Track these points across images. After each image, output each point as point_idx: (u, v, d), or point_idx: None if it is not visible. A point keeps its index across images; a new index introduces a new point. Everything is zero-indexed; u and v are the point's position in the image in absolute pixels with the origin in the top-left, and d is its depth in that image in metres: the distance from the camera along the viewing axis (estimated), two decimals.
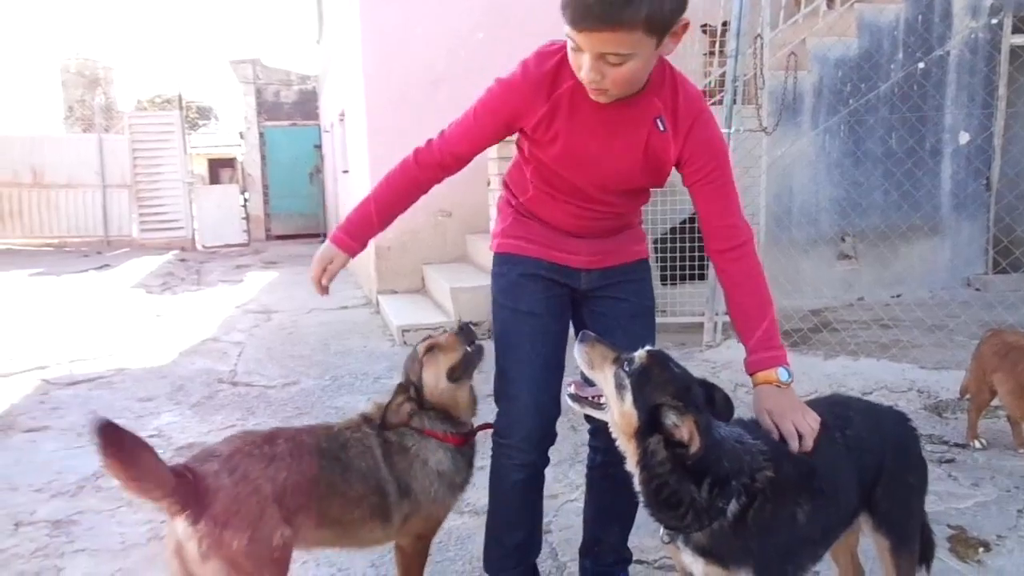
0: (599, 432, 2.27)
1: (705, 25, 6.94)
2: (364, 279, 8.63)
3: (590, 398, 1.78)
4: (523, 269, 2.18)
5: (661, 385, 1.63)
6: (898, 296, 6.91)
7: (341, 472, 2.02)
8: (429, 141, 2.08)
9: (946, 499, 3.12)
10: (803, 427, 1.73)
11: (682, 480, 1.61)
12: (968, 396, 3.74)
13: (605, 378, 1.72)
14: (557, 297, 2.20)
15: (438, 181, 2.12)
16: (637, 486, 1.69)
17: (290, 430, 2.10)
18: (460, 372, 2.17)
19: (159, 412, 4.53)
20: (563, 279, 2.18)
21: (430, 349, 2.18)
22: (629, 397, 1.65)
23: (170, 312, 8.12)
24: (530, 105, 1.90)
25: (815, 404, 1.91)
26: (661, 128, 1.88)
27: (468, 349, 2.17)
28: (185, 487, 1.77)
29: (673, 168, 1.99)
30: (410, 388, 2.18)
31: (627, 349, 2.05)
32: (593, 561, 2.38)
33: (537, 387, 2.13)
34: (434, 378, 2.16)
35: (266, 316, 7.74)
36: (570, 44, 1.71)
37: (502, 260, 2.24)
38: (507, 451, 2.16)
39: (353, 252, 2.12)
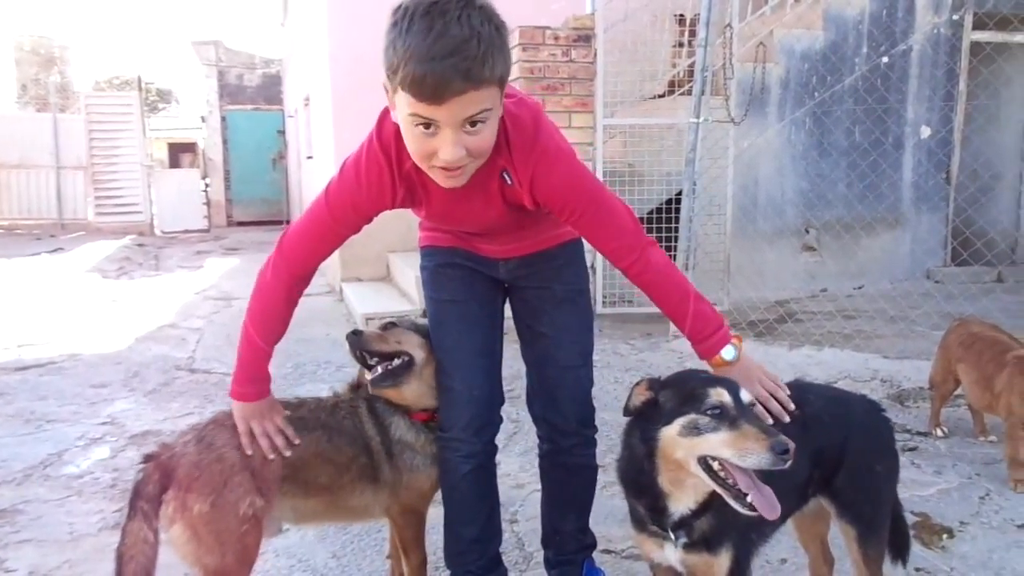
0: (541, 421, 2.25)
1: (681, 15, 6.93)
2: (328, 267, 8.49)
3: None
4: (441, 259, 2.17)
5: None
6: (860, 287, 6.99)
7: (328, 438, 2.01)
8: (278, 255, 1.94)
9: (910, 487, 3.14)
10: (767, 390, 1.78)
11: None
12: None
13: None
14: (480, 282, 2.16)
15: (306, 287, 2.02)
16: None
17: (291, 401, 2.09)
18: (377, 378, 2.09)
19: (113, 399, 4.39)
20: (481, 268, 2.15)
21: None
22: None
23: (126, 297, 7.92)
24: (391, 189, 1.81)
25: None
26: (508, 181, 1.81)
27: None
28: (161, 465, 1.80)
29: None
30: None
31: (549, 336, 2.13)
32: (555, 551, 2.33)
33: (469, 374, 2.08)
34: (360, 374, 2.16)
35: (226, 302, 7.57)
36: (416, 131, 1.56)
37: (424, 253, 2.23)
38: (450, 443, 2.10)
39: (266, 393, 1.98)
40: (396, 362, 2.09)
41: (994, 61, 6.72)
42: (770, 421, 1.69)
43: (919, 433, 3.74)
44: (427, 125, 1.54)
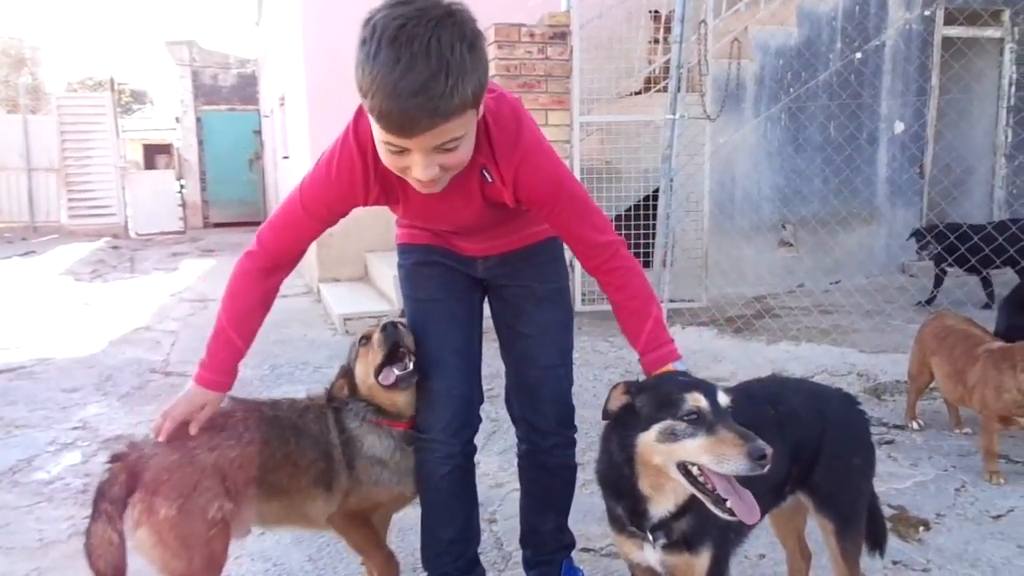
0: (520, 422, 2.24)
1: (656, 12, 6.93)
2: (305, 267, 8.42)
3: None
4: (418, 257, 2.14)
5: None
6: (837, 282, 7.04)
7: (296, 439, 1.99)
8: (257, 246, 1.92)
9: (887, 480, 3.16)
10: None
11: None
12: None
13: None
14: (458, 280, 2.13)
15: (283, 280, 1.99)
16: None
17: (253, 402, 2.07)
18: (384, 376, 2.03)
19: (85, 403, 4.32)
20: (460, 266, 2.13)
21: (366, 340, 2.07)
22: None
23: (100, 300, 7.80)
24: (365, 186, 1.80)
25: (752, 386, 1.90)
26: (489, 179, 1.80)
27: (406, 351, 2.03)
28: (128, 466, 1.77)
29: None
30: (348, 373, 2.12)
31: (529, 336, 2.12)
32: (534, 551, 2.31)
33: (448, 374, 2.05)
34: (363, 373, 2.07)
35: (202, 304, 7.49)
36: (387, 154, 1.57)
37: (401, 250, 2.20)
38: (428, 445, 2.06)
39: (226, 388, 1.93)
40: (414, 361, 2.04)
41: (965, 56, 6.79)
42: None
43: (896, 426, 3.77)
44: (399, 151, 1.53)
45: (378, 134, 1.53)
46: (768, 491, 1.80)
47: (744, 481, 1.53)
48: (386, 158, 1.60)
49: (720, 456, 1.45)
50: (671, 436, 1.51)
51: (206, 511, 1.77)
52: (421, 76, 1.39)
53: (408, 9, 1.42)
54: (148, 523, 1.73)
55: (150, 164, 22.92)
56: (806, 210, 7.06)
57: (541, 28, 5.73)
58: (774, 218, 7.09)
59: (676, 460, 1.51)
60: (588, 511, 2.89)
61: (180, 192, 16.94)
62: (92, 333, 6.14)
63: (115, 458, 1.80)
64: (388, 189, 1.82)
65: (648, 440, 1.54)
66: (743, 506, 1.49)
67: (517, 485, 3.07)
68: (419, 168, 1.54)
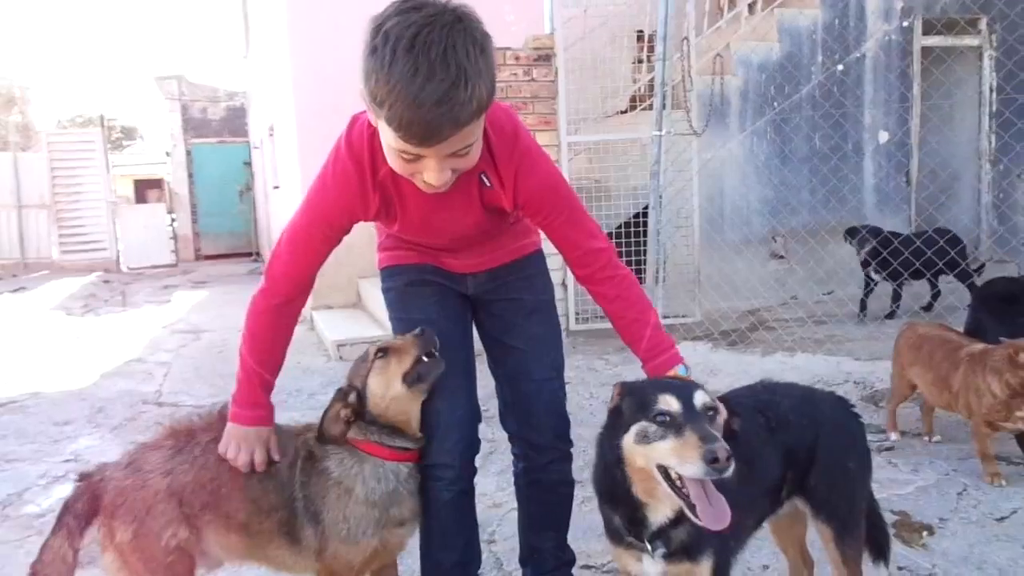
0: (516, 439, 2.20)
1: (640, 32, 7.00)
2: None
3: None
4: (409, 277, 2.10)
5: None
6: (830, 293, 7.04)
7: (260, 476, 1.85)
8: (267, 283, 1.91)
9: (888, 486, 3.14)
10: None
11: None
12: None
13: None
14: (451, 299, 2.10)
15: (300, 309, 1.98)
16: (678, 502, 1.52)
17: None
18: (415, 379, 1.91)
19: (77, 436, 4.27)
20: (450, 283, 2.10)
21: (383, 352, 1.93)
22: None
23: (92, 334, 7.75)
24: (363, 199, 1.79)
25: (741, 394, 1.89)
26: (487, 184, 1.81)
27: (424, 357, 1.92)
28: (92, 486, 1.77)
29: None
30: (351, 394, 1.93)
31: (522, 350, 2.08)
32: (534, 570, 2.27)
33: (451, 396, 1.98)
34: (383, 385, 1.90)
35: (195, 335, 7.45)
36: (399, 160, 1.57)
37: (387, 274, 2.15)
38: (433, 471, 1.99)
39: (269, 419, 1.92)
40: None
41: (944, 64, 6.86)
42: None
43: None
44: (412, 159, 1.54)
45: (392, 143, 1.52)
46: (764, 494, 1.78)
47: (724, 485, 1.48)
48: (397, 164, 1.59)
49: (682, 459, 1.42)
50: (644, 438, 1.50)
51: (160, 537, 1.72)
52: (443, 85, 1.39)
53: (419, 16, 1.41)
54: (111, 547, 1.72)
55: (141, 199, 22.99)
56: (795, 221, 7.09)
57: (526, 51, 5.77)
58: (764, 231, 7.11)
59: (655, 463, 1.48)
60: (588, 528, 2.86)
61: (171, 225, 16.93)
62: (84, 366, 6.09)
63: (82, 477, 1.80)
64: (387, 199, 1.81)
65: (628, 442, 1.53)
66: (709, 512, 1.44)
67: (515, 505, 3.03)
68: (433, 174, 1.55)
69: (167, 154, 18.35)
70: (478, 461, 2.14)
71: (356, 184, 1.76)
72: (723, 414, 1.56)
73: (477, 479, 2.26)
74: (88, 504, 1.74)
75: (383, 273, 2.17)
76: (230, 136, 17.49)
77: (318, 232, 1.84)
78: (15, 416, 4.74)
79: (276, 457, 1.88)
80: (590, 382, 4.89)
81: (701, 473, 1.39)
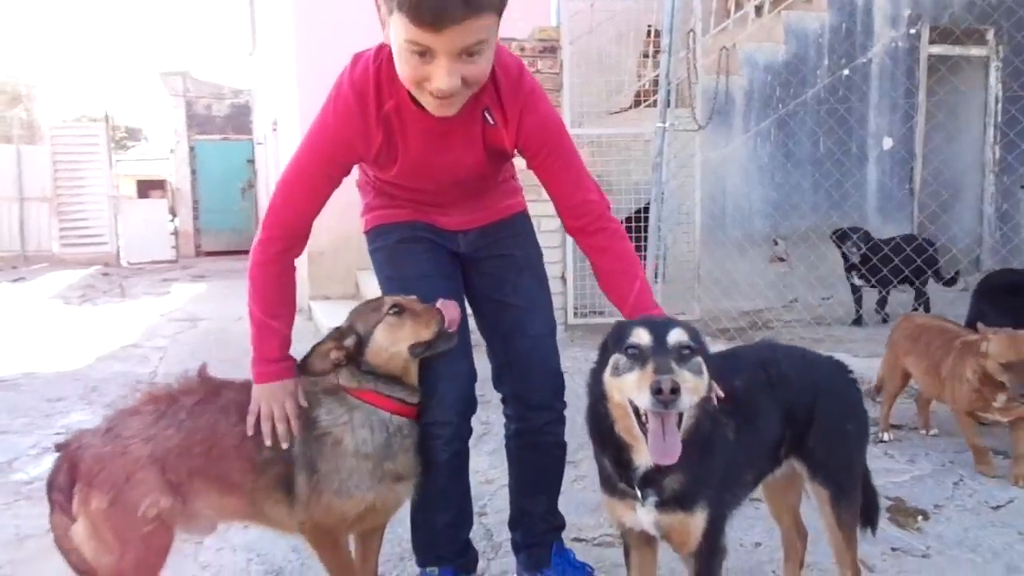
0: (511, 400, 2.18)
1: (649, 26, 7.01)
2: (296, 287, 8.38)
3: None
4: (400, 234, 2.06)
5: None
6: (829, 298, 7.02)
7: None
8: (265, 232, 1.88)
9: (883, 475, 3.10)
10: None
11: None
12: (880, 394, 3.77)
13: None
14: (444, 256, 2.08)
15: (297, 256, 1.95)
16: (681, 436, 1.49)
17: (217, 384, 1.90)
18: (423, 350, 1.88)
19: (68, 412, 4.25)
20: (441, 241, 2.08)
21: (397, 309, 1.86)
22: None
23: (89, 322, 7.72)
24: (366, 135, 1.77)
25: (743, 350, 1.87)
26: (491, 122, 1.80)
27: (447, 330, 1.88)
28: (70, 455, 1.71)
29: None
30: (348, 337, 1.86)
31: (516, 306, 2.04)
32: (523, 533, 2.24)
33: (450, 354, 1.95)
34: (389, 341, 1.84)
35: (192, 323, 7.43)
36: (411, 58, 1.54)
37: (376, 234, 2.11)
38: (431, 429, 1.97)
39: (291, 371, 1.87)
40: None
41: (950, 73, 6.87)
42: None
43: (892, 426, 3.71)
44: (423, 53, 1.52)
45: (403, 33, 1.50)
46: (763, 452, 1.76)
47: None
48: (407, 65, 1.57)
49: (639, 390, 1.41)
50: (616, 370, 1.49)
51: (138, 506, 1.66)
52: None
53: None
54: (84, 514, 1.66)
55: (143, 199, 22.96)
56: (797, 225, 7.07)
57: (531, 42, 5.77)
58: (765, 233, 7.09)
59: (626, 396, 1.47)
60: (581, 504, 2.85)
61: (172, 220, 16.93)
62: (79, 350, 6.06)
63: (59, 448, 1.75)
64: (390, 135, 1.79)
65: (606, 375, 1.53)
66: (660, 446, 1.42)
67: (507, 482, 3.03)
68: (442, 74, 1.53)
69: (171, 151, 18.38)
70: (472, 441, 2.11)
71: (359, 117, 1.75)
72: (702, 355, 1.52)
73: (470, 458, 2.24)
74: (67, 475, 1.69)
75: (371, 235, 2.12)
76: (234, 133, 17.52)
77: (318, 169, 1.82)
78: (8, 393, 4.72)
79: (304, 404, 1.83)
80: (588, 374, 4.86)
81: (647, 403, 1.38)
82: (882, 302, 6.07)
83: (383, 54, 1.74)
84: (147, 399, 1.83)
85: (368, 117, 1.75)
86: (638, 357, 1.45)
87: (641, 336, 1.48)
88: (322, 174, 1.83)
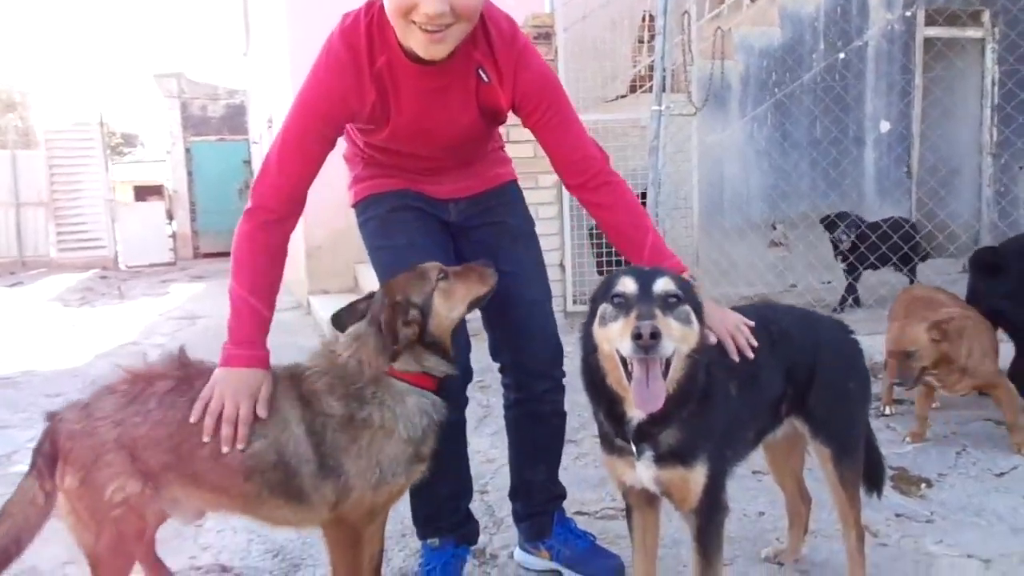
0: (510, 369, 2.16)
1: (644, 12, 6.99)
2: (295, 284, 8.36)
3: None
4: (391, 204, 2.02)
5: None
6: (829, 283, 7.00)
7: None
8: (254, 201, 1.82)
9: (886, 445, 3.04)
10: (729, 328, 1.68)
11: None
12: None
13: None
14: (434, 225, 2.05)
15: (290, 231, 1.87)
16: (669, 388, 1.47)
17: (203, 368, 1.76)
18: (479, 303, 1.83)
19: None
20: (432, 210, 2.05)
21: (445, 274, 1.79)
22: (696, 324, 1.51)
23: (88, 322, 7.71)
24: (359, 90, 1.74)
25: (743, 308, 1.86)
26: (485, 79, 1.78)
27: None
28: (53, 428, 1.69)
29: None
30: (411, 310, 1.71)
31: (512, 273, 2.00)
32: (524, 503, 2.23)
33: None
34: (448, 307, 1.75)
35: (191, 321, 7.42)
36: None
37: (365, 205, 2.07)
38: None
39: (265, 362, 1.73)
40: None
41: (947, 56, 6.85)
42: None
43: (895, 400, 3.70)
44: None
45: None
46: (764, 408, 1.75)
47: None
48: (393, 2, 1.57)
49: (622, 337, 1.39)
50: (603, 319, 1.48)
51: (105, 489, 1.60)
52: None
53: None
54: (63, 490, 1.64)
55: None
56: (794, 210, 7.05)
57: (526, 28, 5.75)
58: (763, 218, 7.07)
59: (614, 346, 1.45)
60: (582, 480, 2.84)
61: (169, 223, 16.90)
62: (78, 348, 6.05)
63: (49, 417, 1.73)
64: (383, 93, 1.76)
65: (595, 326, 1.52)
66: (644, 392, 1.41)
67: (506, 461, 3.02)
68: (428, 2, 1.52)
69: (167, 152, 18.34)
70: (472, 424, 2.09)
71: (351, 72, 1.73)
72: (691, 305, 1.50)
73: (471, 439, 2.24)
74: (51, 445, 1.66)
75: (360, 206, 2.09)
76: (230, 134, 17.47)
77: (312, 127, 1.77)
78: (7, 390, 4.71)
79: (262, 414, 1.65)
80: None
81: (628, 350, 1.36)
82: (851, 288, 6.06)
83: (373, 8, 1.73)
84: (126, 378, 1.75)
85: (361, 72, 1.73)
86: (623, 306, 1.44)
87: (627, 284, 1.46)
88: (316, 133, 1.78)
